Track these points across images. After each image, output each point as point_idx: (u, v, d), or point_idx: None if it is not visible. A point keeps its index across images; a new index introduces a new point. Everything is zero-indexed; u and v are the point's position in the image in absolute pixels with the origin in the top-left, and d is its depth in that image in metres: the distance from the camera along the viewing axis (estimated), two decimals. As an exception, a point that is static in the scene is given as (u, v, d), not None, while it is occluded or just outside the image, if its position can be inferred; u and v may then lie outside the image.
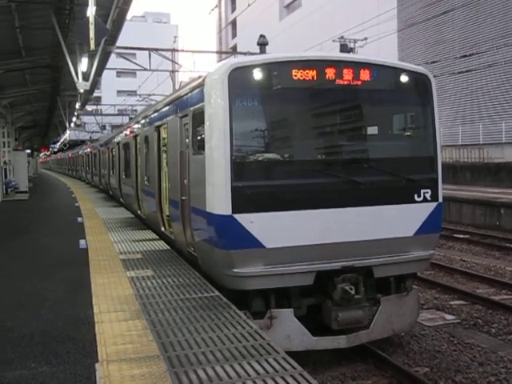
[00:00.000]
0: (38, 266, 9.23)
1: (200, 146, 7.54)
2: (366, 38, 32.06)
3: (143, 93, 40.03)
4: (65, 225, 14.63)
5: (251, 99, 7.06)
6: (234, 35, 72.51)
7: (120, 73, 65.05)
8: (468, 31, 32.35)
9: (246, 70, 6.83)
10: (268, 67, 6.93)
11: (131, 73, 60.45)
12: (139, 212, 14.28)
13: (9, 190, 26.07)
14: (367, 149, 7.90)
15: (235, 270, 6.74)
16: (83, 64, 13.55)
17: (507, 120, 29.88)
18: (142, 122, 13.72)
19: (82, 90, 15.45)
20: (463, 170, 28.86)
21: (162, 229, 10.89)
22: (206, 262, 7.70)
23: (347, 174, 7.22)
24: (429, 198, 7.57)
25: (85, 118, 51.25)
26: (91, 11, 9.26)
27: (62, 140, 53.79)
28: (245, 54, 20.52)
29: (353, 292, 6.97)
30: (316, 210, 6.95)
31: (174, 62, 26.14)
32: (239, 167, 6.78)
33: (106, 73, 23.34)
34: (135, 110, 45.43)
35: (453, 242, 17.18)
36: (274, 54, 7.66)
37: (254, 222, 6.66)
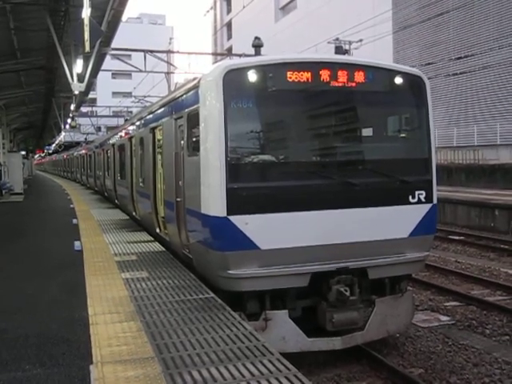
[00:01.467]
0: (33, 268, 9.19)
1: (195, 148, 7.54)
2: (361, 40, 32.13)
3: (138, 94, 39.93)
4: (60, 226, 14.57)
5: (246, 101, 7.05)
6: (230, 37, 72.54)
7: (115, 74, 65.07)
8: (463, 33, 32.47)
9: (241, 71, 6.84)
10: (263, 69, 6.93)
11: (126, 74, 60.60)
12: (134, 213, 14.26)
13: (3, 191, 25.97)
14: (362, 150, 7.92)
15: (230, 272, 6.75)
16: (78, 65, 13.54)
17: (502, 122, 29.98)
18: (137, 123, 13.70)
19: (76, 92, 15.47)
20: (458, 171, 28.93)
21: (157, 230, 10.88)
22: (201, 264, 7.70)
23: (342, 176, 7.24)
24: (423, 200, 7.60)
25: (80, 120, 51.21)
26: (86, 13, 9.26)
27: (57, 141, 53.65)
28: (240, 55, 20.51)
29: (348, 293, 6.99)
30: (311, 211, 6.96)
31: (169, 63, 26.09)
32: (234, 169, 6.79)
33: (101, 74, 23.30)
34: (130, 112, 45.35)
35: (448, 243, 17.22)
36: (268, 55, 7.68)
37: (248, 224, 6.65)
